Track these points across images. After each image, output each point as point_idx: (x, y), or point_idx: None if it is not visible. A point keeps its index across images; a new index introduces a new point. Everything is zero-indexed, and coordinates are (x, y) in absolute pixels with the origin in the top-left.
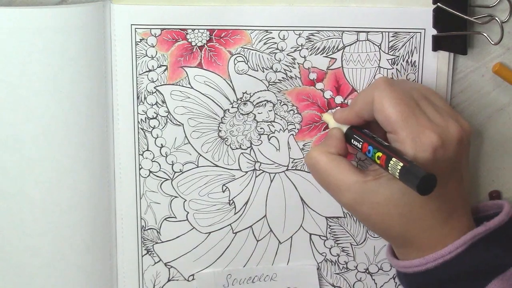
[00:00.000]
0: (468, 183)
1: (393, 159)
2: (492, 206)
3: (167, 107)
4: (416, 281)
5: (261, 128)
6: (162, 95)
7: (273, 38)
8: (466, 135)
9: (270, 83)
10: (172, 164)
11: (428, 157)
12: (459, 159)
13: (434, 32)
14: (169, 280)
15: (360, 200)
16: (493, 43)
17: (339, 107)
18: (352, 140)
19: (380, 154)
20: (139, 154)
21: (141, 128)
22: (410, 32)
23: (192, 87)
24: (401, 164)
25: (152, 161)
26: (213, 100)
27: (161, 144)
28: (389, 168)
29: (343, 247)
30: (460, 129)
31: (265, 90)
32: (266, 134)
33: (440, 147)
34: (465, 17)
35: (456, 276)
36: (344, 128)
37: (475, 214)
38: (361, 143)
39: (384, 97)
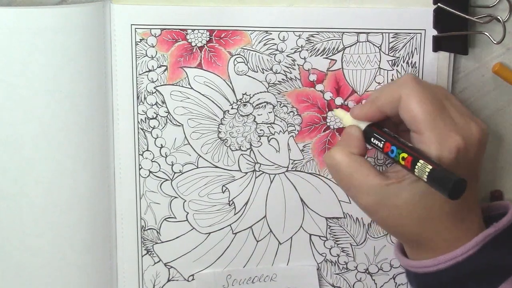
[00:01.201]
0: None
1: (421, 161)
2: (497, 207)
3: (167, 107)
4: (426, 281)
5: (261, 130)
6: (162, 95)
7: (273, 39)
8: (485, 136)
9: (270, 85)
10: (172, 165)
11: (451, 158)
12: (478, 160)
13: (435, 32)
14: (169, 280)
15: (381, 203)
16: (495, 42)
17: (358, 103)
18: (372, 139)
19: (405, 155)
20: (139, 154)
21: (141, 128)
22: (410, 33)
23: (192, 88)
24: (430, 167)
25: (152, 161)
26: (212, 101)
27: (161, 145)
28: (416, 171)
29: (343, 248)
30: (480, 129)
31: (265, 92)
32: (266, 136)
33: (463, 148)
34: (466, 17)
35: (466, 277)
36: (362, 126)
37: None
38: (382, 142)
39: (412, 95)
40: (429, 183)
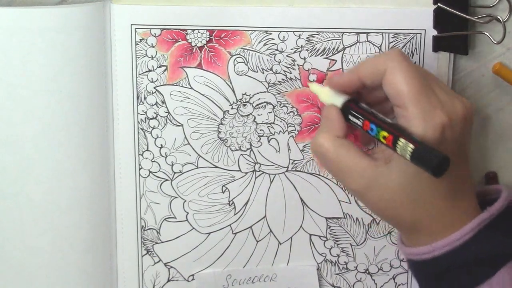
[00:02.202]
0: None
1: (402, 140)
2: (491, 191)
3: (167, 107)
4: (424, 268)
5: (261, 130)
6: (162, 95)
7: (273, 39)
8: (469, 113)
9: (270, 85)
10: (172, 165)
11: (437, 136)
12: (465, 139)
13: (435, 32)
14: (169, 280)
15: (370, 186)
16: (495, 42)
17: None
18: (350, 117)
19: (385, 133)
20: (139, 154)
21: (141, 128)
22: (410, 33)
23: (191, 88)
24: (412, 146)
25: (152, 161)
26: (212, 101)
27: (161, 145)
28: (398, 149)
29: (343, 248)
30: (464, 107)
31: (265, 92)
32: (266, 136)
33: (448, 126)
34: (466, 17)
35: (463, 264)
36: (339, 103)
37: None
38: (361, 120)
39: (399, 69)
40: (413, 161)
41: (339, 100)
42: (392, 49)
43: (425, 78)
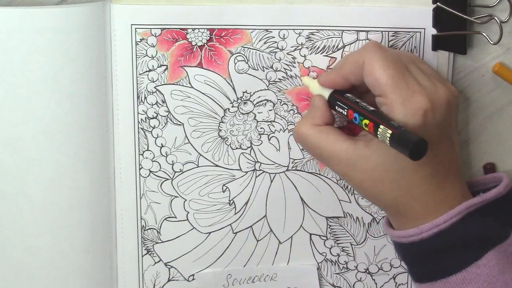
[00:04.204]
0: (459, 151)
1: (381, 126)
2: (492, 179)
3: (167, 106)
4: (412, 251)
5: (261, 128)
6: (162, 94)
7: (273, 37)
8: (453, 98)
9: (270, 82)
10: (172, 164)
11: (418, 121)
12: (449, 122)
13: (434, 31)
14: (169, 280)
15: (352, 167)
16: (492, 42)
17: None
18: (337, 107)
19: (367, 121)
20: (139, 154)
21: (141, 128)
22: (410, 32)
23: (192, 87)
24: (390, 131)
25: (152, 161)
26: (213, 100)
27: (161, 144)
28: (379, 136)
29: (343, 247)
30: (448, 92)
31: (265, 89)
32: (266, 134)
33: (430, 110)
34: (465, 16)
35: (451, 246)
36: (326, 94)
37: (475, 188)
38: (345, 110)
39: (375, 60)
40: (392, 146)
41: (326, 92)
42: (368, 42)
43: (404, 64)
